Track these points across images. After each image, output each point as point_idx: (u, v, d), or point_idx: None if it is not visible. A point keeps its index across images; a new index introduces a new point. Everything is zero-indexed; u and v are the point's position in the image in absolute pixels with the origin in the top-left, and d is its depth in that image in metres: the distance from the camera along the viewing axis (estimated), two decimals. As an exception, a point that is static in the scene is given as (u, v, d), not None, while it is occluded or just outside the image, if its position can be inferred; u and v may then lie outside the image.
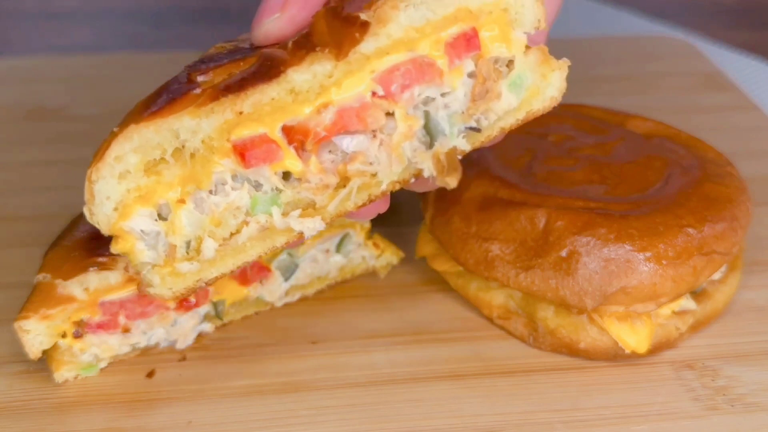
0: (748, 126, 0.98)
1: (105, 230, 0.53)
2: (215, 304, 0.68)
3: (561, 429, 0.60)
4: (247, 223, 0.54)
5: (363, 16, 0.51)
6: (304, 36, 0.53)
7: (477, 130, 0.56)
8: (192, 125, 0.51)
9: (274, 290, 0.70)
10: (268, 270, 0.69)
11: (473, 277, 0.70)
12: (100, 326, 0.64)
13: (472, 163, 0.71)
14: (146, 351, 0.67)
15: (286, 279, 0.70)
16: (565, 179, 0.69)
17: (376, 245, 0.74)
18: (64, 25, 1.47)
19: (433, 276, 0.74)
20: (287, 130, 0.52)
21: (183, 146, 0.52)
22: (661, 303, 0.64)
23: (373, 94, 0.53)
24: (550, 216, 0.65)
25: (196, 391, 0.64)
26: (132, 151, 0.51)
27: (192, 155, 0.52)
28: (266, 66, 0.52)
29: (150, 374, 0.65)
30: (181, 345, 0.67)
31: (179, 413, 0.62)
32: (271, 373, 0.65)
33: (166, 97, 0.52)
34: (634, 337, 0.64)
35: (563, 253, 0.63)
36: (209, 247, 0.54)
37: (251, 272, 0.69)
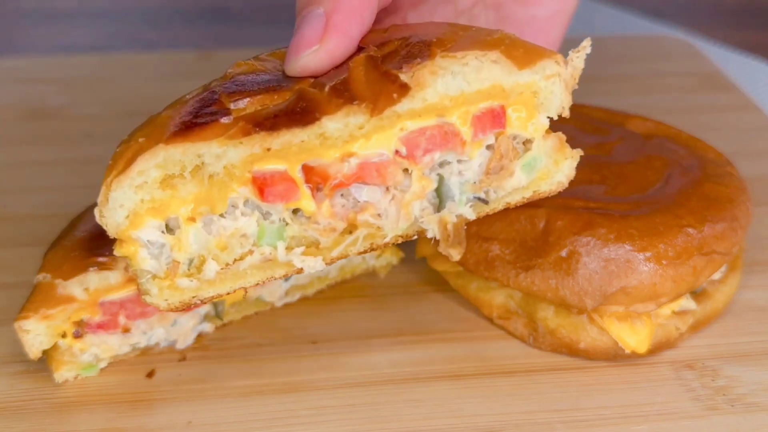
0: (748, 126, 0.98)
1: (112, 233, 0.53)
2: (215, 304, 0.68)
3: (561, 429, 0.60)
4: (251, 252, 0.55)
5: (403, 77, 0.53)
6: (342, 82, 0.53)
7: (484, 201, 0.58)
8: (218, 152, 0.52)
9: (274, 290, 0.70)
10: (268, 270, 0.70)
11: (473, 277, 0.70)
12: (100, 326, 0.64)
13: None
14: (146, 351, 0.67)
15: (286, 279, 0.70)
16: (565, 179, 0.69)
17: (376, 245, 0.74)
18: (64, 25, 1.47)
19: (433, 276, 0.74)
20: (306, 170, 0.53)
21: (202, 165, 0.53)
22: (661, 303, 0.64)
23: (397, 152, 0.54)
24: (550, 216, 0.65)
25: (196, 391, 0.64)
26: (155, 167, 0.52)
27: (210, 177, 0.53)
28: (301, 107, 0.52)
29: (150, 374, 0.65)
30: (181, 345, 0.67)
31: (179, 413, 0.62)
32: (271, 373, 0.65)
33: (195, 120, 0.52)
34: (634, 337, 0.64)
35: (563, 253, 0.63)
36: (211, 268, 0.54)
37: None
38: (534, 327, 0.67)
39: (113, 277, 0.63)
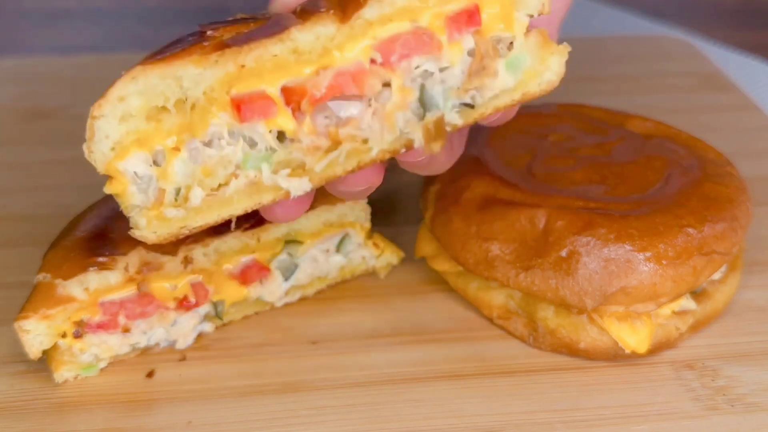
0: (748, 126, 0.98)
1: (100, 169, 0.53)
2: (215, 304, 0.68)
3: (561, 429, 0.60)
4: (236, 175, 0.54)
5: None
6: (312, 2, 0.54)
7: (471, 106, 0.56)
8: (195, 74, 0.52)
9: (274, 290, 0.70)
10: (268, 270, 0.69)
11: (473, 277, 0.70)
12: (100, 326, 0.64)
13: (472, 162, 0.71)
14: (146, 351, 0.67)
15: (286, 279, 0.70)
16: (565, 179, 0.69)
17: (376, 245, 0.74)
18: (64, 25, 1.47)
19: (433, 276, 0.74)
20: (286, 91, 0.53)
21: (186, 98, 0.53)
22: (661, 303, 0.64)
23: (372, 61, 0.53)
24: (550, 216, 0.65)
25: (196, 391, 0.64)
26: (136, 94, 0.52)
27: (193, 106, 0.53)
28: (273, 25, 0.52)
29: (150, 374, 0.65)
30: (181, 345, 0.67)
31: (179, 413, 0.62)
32: (271, 373, 0.65)
33: (174, 47, 0.53)
34: (634, 337, 0.64)
35: (563, 253, 0.63)
36: (197, 195, 0.54)
37: (251, 272, 0.69)
38: (534, 327, 0.67)
39: (113, 277, 0.63)
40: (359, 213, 0.72)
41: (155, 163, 0.54)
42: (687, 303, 0.66)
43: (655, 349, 0.65)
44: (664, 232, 0.63)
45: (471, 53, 0.55)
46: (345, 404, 0.62)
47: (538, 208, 0.66)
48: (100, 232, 0.66)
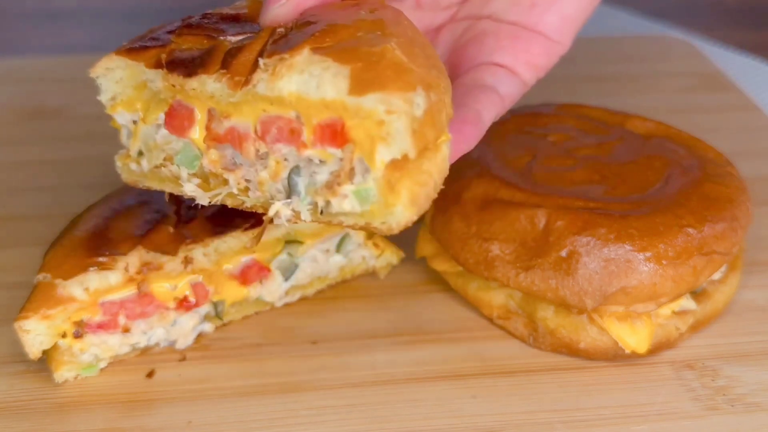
0: (748, 126, 0.98)
1: (106, 109, 0.63)
2: (215, 304, 0.68)
3: (561, 429, 0.60)
4: (165, 165, 0.61)
5: (261, 62, 0.54)
6: (238, 48, 0.56)
7: (320, 211, 0.56)
8: (150, 74, 0.59)
9: (274, 290, 0.70)
10: (268, 270, 0.69)
11: (473, 277, 0.70)
12: (100, 326, 0.64)
13: (472, 162, 0.71)
14: (146, 351, 0.67)
15: (286, 279, 0.70)
16: (565, 179, 0.69)
17: (376, 245, 0.74)
18: (64, 25, 1.47)
19: (433, 276, 0.74)
20: (210, 116, 0.58)
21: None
22: (661, 303, 0.64)
23: (255, 131, 0.56)
24: (550, 216, 0.65)
25: (196, 391, 0.64)
26: (118, 68, 0.61)
27: (158, 92, 0.59)
28: (201, 58, 0.57)
29: (150, 374, 0.65)
30: (181, 345, 0.67)
31: (179, 413, 0.62)
32: (271, 373, 0.65)
33: (146, 41, 0.61)
34: (634, 337, 0.64)
35: (563, 253, 0.63)
36: (144, 165, 0.62)
37: (251, 272, 0.69)
38: (534, 327, 0.67)
39: (113, 277, 0.63)
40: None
41: (135, 122, 0.62)
42: (687, 303, 0.66)
43: (655, 349, 0.65)
44: (664, 232, 0.63)
45: (342, 160, 0.54)
46: (345, 404, 0.62)
47: (538, 208, 0.66)
48: (100, 232, 0.66)
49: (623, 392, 0.63)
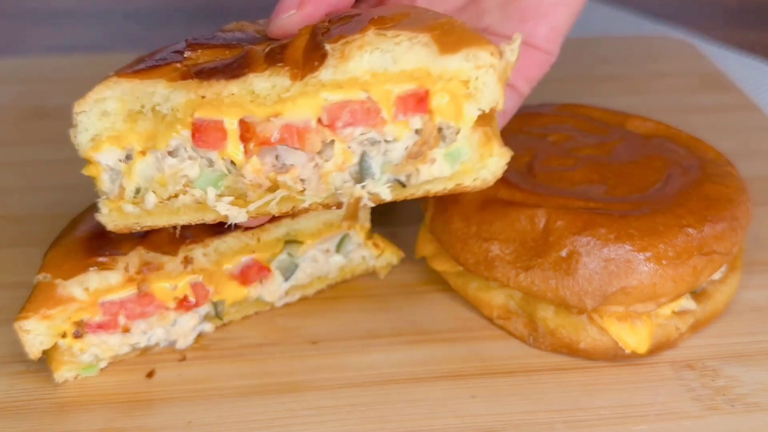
0: (748, 126, 0.98)
1: (81, 153, 0.58)
2: (215, 304, 0.68)
3: (561, 429, 0.60)
4: (185, 192, 0.58)
5: (327, 47, 0.54)
6: (281, 46, 0.56)
7: (403, 185, 0.57)
8: (165, 93, 0.56)
9: (274, 290, 0.70)
10: (268, 270, 0.69)
11: (473, 277, 0.70)
12: (100, 326, 0.64)
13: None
14: (146, 351, 0.67)
15: (286, 279, 0.70)
16: (565, 179, 0.69)
17: (376, 245, 0.74)
18: (64, 25, 1.47)
19: (433, 276, 0.74)
20: (243, 125, 0.56)
21: (158, 108, 0.57)
22: (661, 303, 0.64)
23: (319, 120, 0.55)
24: (550, 216, 0.65)
25: (196, 391, 0.64)
26: (113, 98, 0.57)
27: (163, 117, 0.57)
28: (238, 63, 0.56)
29: (150, 374, 0.65)
30: (181, 345, 0.67)
31: (179, 413, 0.62)
32: (271, 373, 0.65)
33: (154, 60, 0.57)
34: (634, 337, 0.64)
35: (563, 253, 0.63)
36: (150, 200, 0.58)
37: (251, 272, 0.69)
38: (534, 327, 0.67)
39: (113, 277, 0.63)
40: (359, 213, 0.72)
41: (127, 159, 0.58)
42: (687, 303, 0.66)
43: (655, 349, 0.65)
44: (664, 232, 0.63)
45: (419, 132, 0.56)
46: (345, 404, 0.62)
47: (538, 208, 0.66)
48: (100, 232, 0.65)
49: (623, 392, 0.63)
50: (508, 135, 0.76)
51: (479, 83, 0.55)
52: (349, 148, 0.56)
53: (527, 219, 0.66)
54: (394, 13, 0.56)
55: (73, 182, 0.88)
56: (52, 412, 0.62)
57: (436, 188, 0.58)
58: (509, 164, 0.71)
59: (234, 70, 0.55)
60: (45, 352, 0.63)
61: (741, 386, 0.63)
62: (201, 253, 0.66)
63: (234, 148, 0.56)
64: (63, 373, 0.64)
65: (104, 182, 0.59)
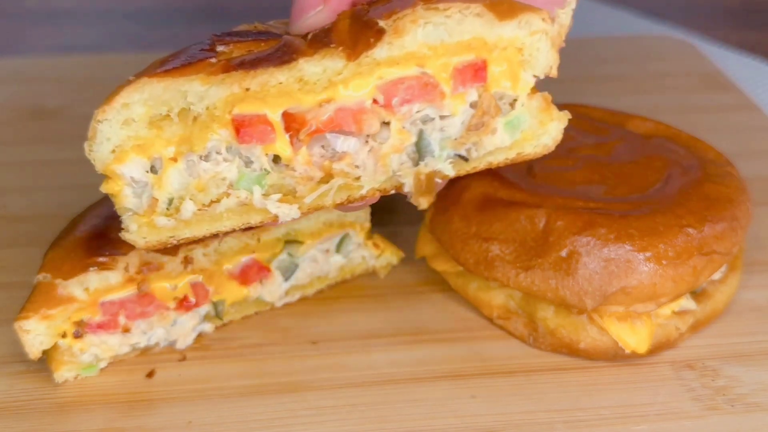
0: (748, 126, 0.98)
1: (99, 168, 0.54)
2: (215, 304, 0.68)
3: (561, 429, 0.60)
4: (228, 195, 0.55)
5: (381, 23, 0.53)
6: (324, 31, 0.54)
7: (465, 159, 0.57)
8: (200, 91, 0.53)
9: (274, 290, 0.70)
10: (268, 270, 0.69)
11: (473, 277, 0.70)
12: (100, 326, 0.64)
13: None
14: (146, 351, 0.67)
15: (286, 279, 0.70)
16: (565, 179, 0.69)
17: (376, 245, 0.74)
18: (64, 25, 1.47)
19: (433, 276, 0.74)
20: (287, 117, 0.53)
21: (189, 108, 0.53)
22: (661, 303, 0.64)
23: (374, 101, 0.54)
24: (550, 216, 0.65)
25: (196, 391, 0.64)
26: (140, 102, 0.53)
27: (194, 118, 0.54)
28: (282, 51, 0.53)
29: (150, 374, 0.65)
30: (181, 345, 0.67)
31: (179, 413, 0.62)
32: (271, 373, 0.65)
33: (183, 59, 0.54)
34: (634, 337, 0.64)
35: (563, 253, 0.63)
36: (188, 208, 0.55)
37: (251, 272, 0.69)
38: (534, 327, 0.67)
39: (113, 277, 0.63)
40: (359, 213, 0.72)
41: (152, 169, 0.55)
42: (687, 303, 0.66)
43: (655, 349, 0.65)
44: (664, 232, 0.63)
45: (473, 105, 0.56)
46: (345, 404, 0.62)
47: (538, 208, 0.66)
48: (100, 232, 0.66)
49: (623, 392, 0.63)
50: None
51: (533, 49, 0.55)
52: (404, 127, 0.55)
53: (527, 219, 0.66)
54: None
55: (72, 182, 0.88)
56: (52, 412, 0.62)
57: (498, 159, 0.58)
58: (509, 164, 0.72)
59: (280, 57, 0.53)
60: (45, 352, 0.63)
61: (741, 386, 0.63)
62: (201, 253, 0.66)
63: (282, 142, 0.53)
64: (63, 373, 0.64)
65: (127, 198, 0.55)
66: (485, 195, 0.69)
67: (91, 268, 0.62)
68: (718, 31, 1.34)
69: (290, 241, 0.70)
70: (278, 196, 0.55)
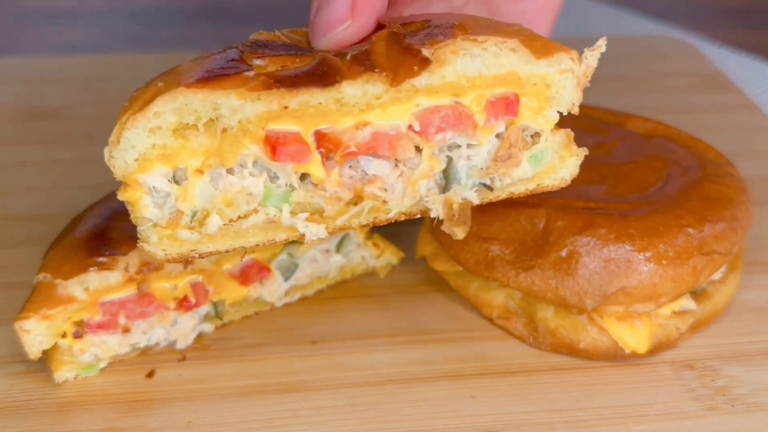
0: (748, 126, 0.98)
1: (118, 175, 0.53)
2: (215, 304, 0.68)
3: (561, 429, 0.60)
4: (256, 211, 0.55)
5: (425, 52, 0.54)
6: (363, 53, 0.55)
7: (489, 188, 0.58)
8: (236, 105, 0.52)
9: (274, 290, 0.70)
10: (268, 270, 0.69)
11: (473, 277, 0.70)
12: (100, 326, 0.64)
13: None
14: (146, 351, 0.67)
15: (286, 279, 0.70)
16: (565, 179, 0.69)
17: (376, 245, 0.74)
18: (64, 25, 1.47)
19: (433, 276, 0.74)
20: (319, 136, 0.54)
21: (217, 119, 0.53)
22: (661, 303, 0.64)
23: (410, 127, 0.55)
24: (550, 216, 0.65)
25: (196, 391, 0.64)
26: (172, 111, 0.52)
27: (224, 130, 0.53)
28: (323, 70, 0.53)
29: (150, 374, 0.65)
30: (181, 345, 0.67)
31: (179, 413, 0.62)
32: (271, 373, 0.65)
33: (216, 70, 0.53)
34: (634, 337, 0.64)
35: (563, 253, 0.63)
36: (214, 223, 0.55)
37: (251, 272, 0.69)
38: (534, 327, 0.67)
39: (113, 277, 0.63)
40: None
41: (175, 180, 0.54)
42: (687, 303, 0.66)
43: (655, 349, 0.65)
44: (664, 232, 0.63)
45: (499, 136, 0.57)
46: (345, 404, 0.62)
47: (538, 208, 0.66)
48: (100, 232, 0.66)
49: (623, 392, 0.63)
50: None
51: (560, 87, 0.57)
52: (434, 154, 0.56)
53: (527, 219, 0.66)
54: (463, 20, 0.57)
55: (73, 182, 0.88)
56: (52, 412, 0.62)
57: (519, 190, 0.60)
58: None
59: (322, 77, 0.53)
60: (45, 352, 0.63)
61: (741, 386, 0.63)
62: (201, 253, 0.66)
63: (316, 163, 0.54)
64: (63, 373, 0.64)
65: (147, 208, 0.54)
66: (485, 195, 0.68)
67: (91, 268, 0.62)
68: (718, 31, 1.34)
69: (290, 241, 0.70)
70: (306, 215, 0.56)
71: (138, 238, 0.55)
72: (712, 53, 1.18)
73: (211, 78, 0.52)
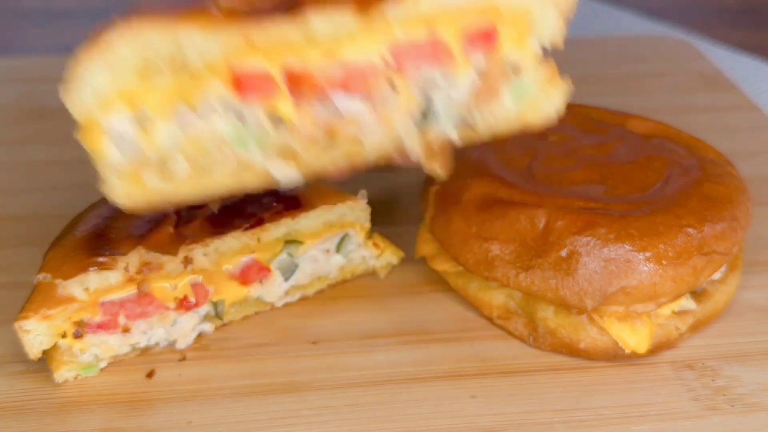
0: (748, 126, 0.98)
1: (77, 116, 0.50)
2: (215, 304, 0.68)
3: (561, 429, 0.60)
4: (226, 155, 0.53)
5: None
6: None
7: (470, 126, 0.56)
8: (198, 40, 0.50)
9: (274, 290, 0.70)
10: (268, 270, 0.69)
11: (473, 277, 0.70)
12: (100, 326, 0.64)
13: (472, 163, 0.71)
14: (146, 351, 0.67)
15: (286, 279, 0.70)
16: (565, 179, 0.69)
17: (376, 245, 0.74)
18: (64, 25, 1.47)
19: (433, 276, 0.74)
20: (289, 76, 0.51)
21: (181, 60, 0.50)
22: (661, 303, 0.64)
23: (384, 61, 0.53)
24: (550, 216, 0.65)
25: (196, 391, 0.64)
26: (128, 46, 0.49)
27: (188, 69, 0.51)
28: (288, 2, 0.51)
29: (150, 374, 0.65)
30: (181, 345, 0.67)
31: (179, 413, 0.62)
32: (271, 373, 0.65)
33: (179, 3, 0.51)
34: (634, 337, 0.64)
35: (563, 253, 0.63)
36: (181, 167, 0.52)
37: (251, 272, 0.69)
38: (534, 327, 0.67)
39: (113, 277, 0.63)
40: (359, 213, 0.72)
41: (139, 123, 0.51)
42: (687, 303, 0.66)
43: (655, 349, 0.65)
44: (664, 232, 0.63)
45: (480, 72, 0.55)
46: (345, 404, 0.62)
47: (538, 208, 0.66)
48: (100, 232, 0.66)
49: (623, 392, 0.63)
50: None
51: (541, 16, 0.56)
52: (410, 90, 0.54)
53: (527, 219, 0.65)
54: None
55: (72, 182, 0.88)
56: (52, 412, 0.62)
57: (502, 127, 0.57)
58: (509, 164, 0.72)
59: (288, 7, 0.50)
60: (45, 352, 0.63)
61: (741, 386, 0.63)
62: (201, 253, 0.66)
63: (285, 99, 0.51)
64: (63, 373, 0.64)
65: (111, 153, 0.51)
66: (485, 195, 0.68)
67: (91, 268, 0.62)
68: (718, 31, 1.34)
69: (290, 241, 0.70)
70: (278, 159, 0.53)
71: (102, 186, 0.52)
72: (712, 53, 1.18)
73: (171, 11, 0.50)
